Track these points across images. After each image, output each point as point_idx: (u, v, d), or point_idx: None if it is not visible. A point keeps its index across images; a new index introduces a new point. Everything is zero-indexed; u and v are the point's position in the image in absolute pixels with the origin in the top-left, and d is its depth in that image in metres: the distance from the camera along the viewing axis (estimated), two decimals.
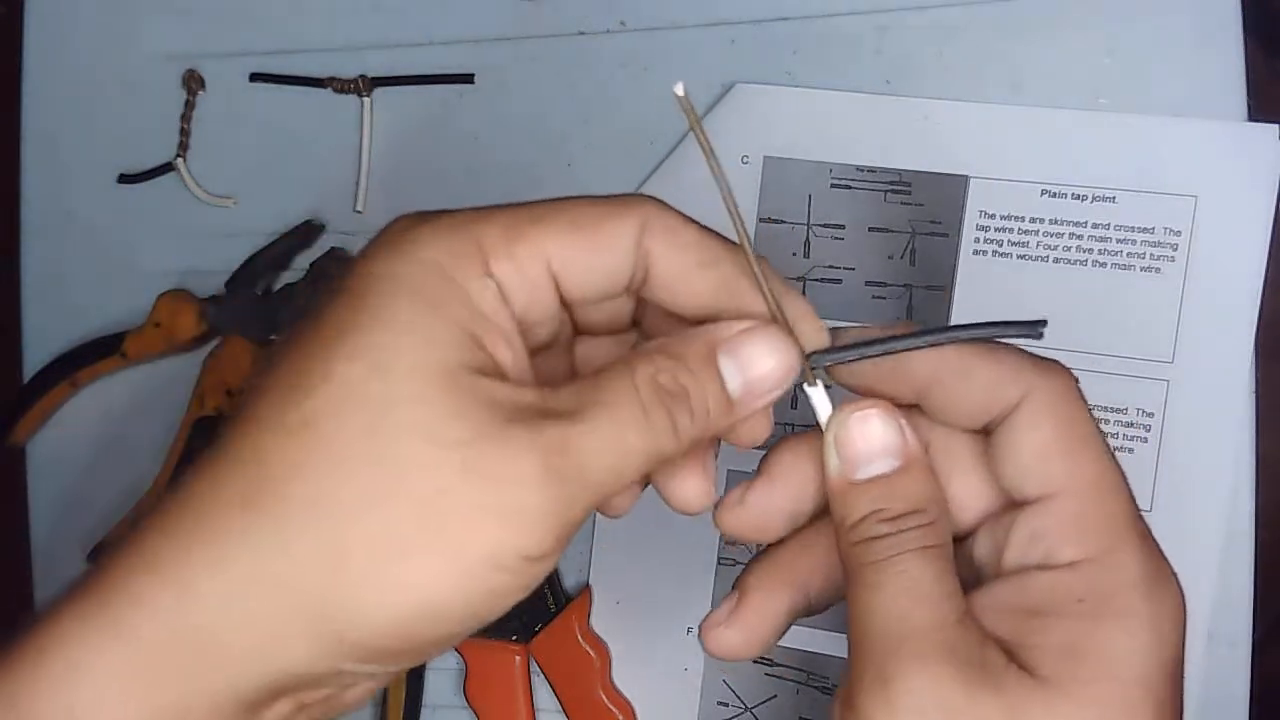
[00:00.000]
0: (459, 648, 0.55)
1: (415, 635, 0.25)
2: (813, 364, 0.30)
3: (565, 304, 0.29)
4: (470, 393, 0.25)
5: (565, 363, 0.32)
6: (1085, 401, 0.29)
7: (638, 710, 0.53)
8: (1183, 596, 0.28)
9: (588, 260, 0.28)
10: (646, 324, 0.32)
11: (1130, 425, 0.49)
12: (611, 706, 0.53)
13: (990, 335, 0.29)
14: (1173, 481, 0.49)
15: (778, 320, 0.29)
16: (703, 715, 0.53)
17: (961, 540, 0.31)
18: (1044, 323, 0.28)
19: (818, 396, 0.30)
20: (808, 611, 0.32)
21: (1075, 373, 0.49)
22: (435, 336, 0.26)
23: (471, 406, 0.25)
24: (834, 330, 0.31)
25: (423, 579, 0.25)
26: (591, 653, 0.53)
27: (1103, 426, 0.49)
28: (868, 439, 0.29)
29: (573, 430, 0.26)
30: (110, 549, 0.26)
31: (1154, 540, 0.29)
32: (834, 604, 0.33)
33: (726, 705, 0.52)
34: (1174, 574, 0.28)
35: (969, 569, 0.30)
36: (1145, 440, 0.49)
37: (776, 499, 0.31)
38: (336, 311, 0.26)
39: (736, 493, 0.31)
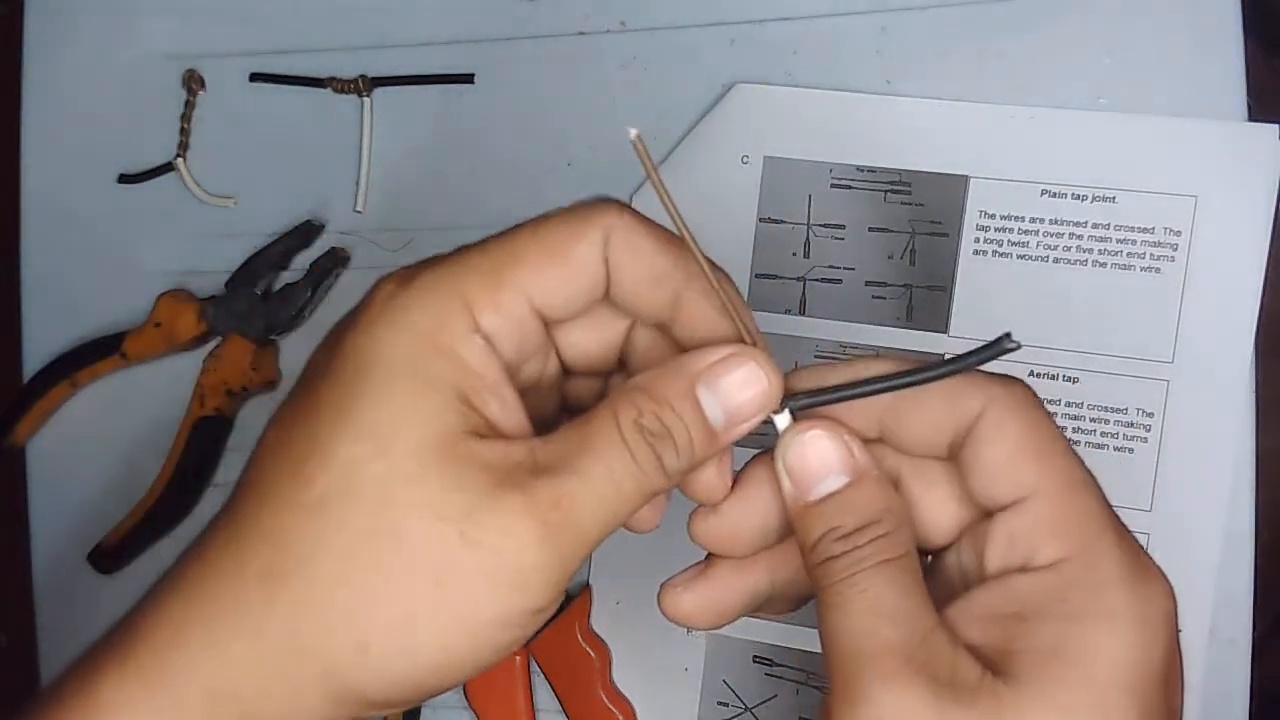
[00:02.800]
0: None
1: (428, 688, 0.28)
2: (789, 407, 0.30)
3: (548, 329, 0.30)
4: (465, 461, 0.27)
5: (556, 397, 0.33)
6: (1044, 407, 0.29)
7: (638, 710, 0.53)
8: (1171, 593, 0.28)
9: (565, 287, 0.29)
10: (633, 344, 0.32)
11: (1130, 425, 0.49)
12: (611, 706, 0.53)
13: (966, 367, 0.29)
14: (1173, 481, 0.49)
15: (753, 344, 0.30)
16: (703, 715, 0.53)
17: (944, 551, 0.31)
18: (1009, 335, 0.28)
19: (782, 422, 0.30)
20: (771, 606, 0.33)
21: (1075, 373, 0.49)
22: (430, 410, 0.27)
23: (467, 476, 0.27)
24: (793, 372, 0.31)
25: (436, 644, 0.27)
26: (591, 653, 0.53)
27: (1102, 427, 0.50)
28: (815, 459, 0.30)
29: (565, 485, 0.27)
30: (134, 611, 0.28)
31: (1133, 538, 0.28)
32: (800, 605, 0.33)
33: (726, 705, 0.52)
34: (1160, 571, 0.28)
35: (956, 580, 0.30)
36: (1145, 440, 0.49)
37: (748, 515, 0.31)
38: (336, 389, 0.28)
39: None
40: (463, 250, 0.29)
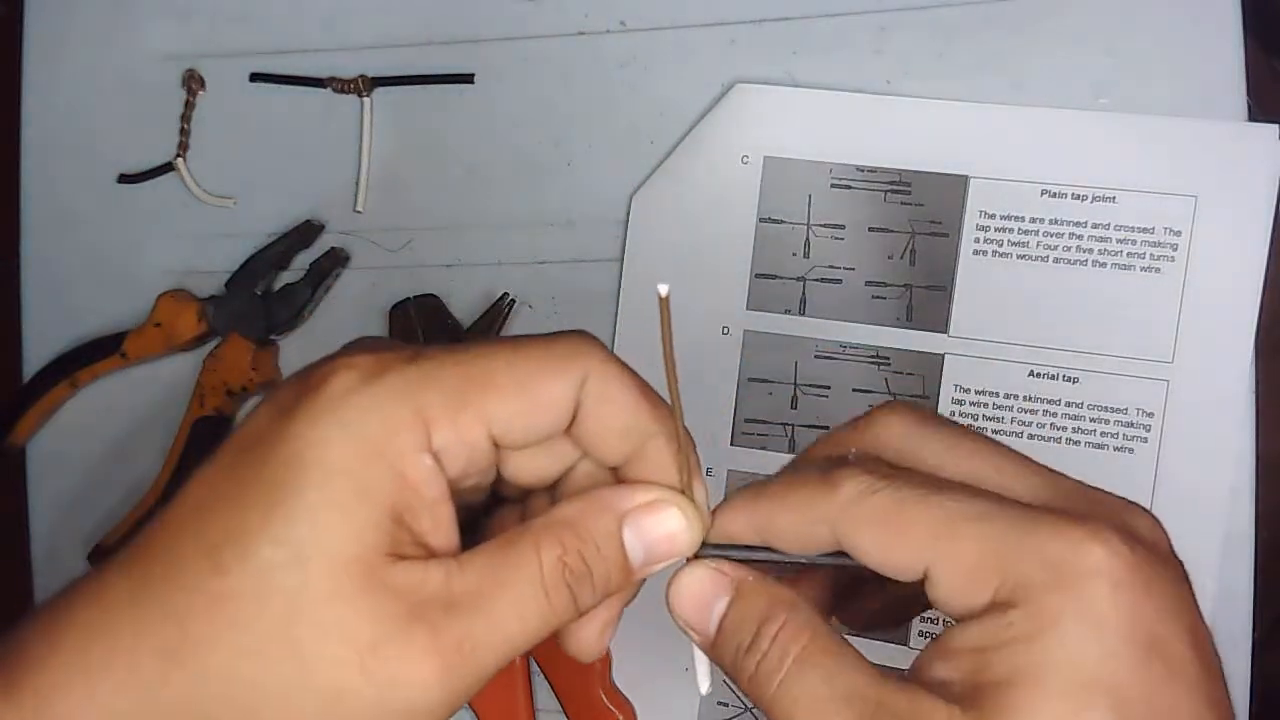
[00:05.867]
0: None
1: None
2: (701, 554, 0.31)
3: (498, 451, 0.30)
4: (380, 589, 0.27)
5: (484, 497, 0.33)
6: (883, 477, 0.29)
7: (638, 710, 0.53)
8: (1100, 532, 0.26)
9: (529, 421, 0.29)
10: (573, 471, 0.32)
11: (1130, 425, 0.49)
12: (611, 706, 0.53)
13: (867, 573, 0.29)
14: (1173, 481, 0.49)
15: (689, 496, 0.30)
16: (703, 715, 0.53)
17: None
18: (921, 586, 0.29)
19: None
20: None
21: (1075, 373, 0.49)
22: (358, 526, 0.27)
23: (380, 605, 0.26)
24: (722, 504, 0.31)
25: None
26: None
27: (1102, 427, 0.50)
28: (694, 595, 0.30)
29: (473, 626, 0.27)
30: (25, 634, 0.27)
31: (1024, 514, 0.27)
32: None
33: (726, 705, 0.52)
34: (1070, 524, 0.26)
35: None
36: (1145, 440, 0.49)
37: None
38: (268, 479, 0.27)
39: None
40: (433, 356, 0.28)
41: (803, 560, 0.30)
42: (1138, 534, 0.27)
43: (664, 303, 0.27)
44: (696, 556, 0.30)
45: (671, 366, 0.28)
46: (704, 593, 0.30)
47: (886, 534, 0.28)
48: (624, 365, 0.30)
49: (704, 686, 0.32)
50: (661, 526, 0.30)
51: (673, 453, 0.30)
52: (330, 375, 0.28)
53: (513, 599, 0.28)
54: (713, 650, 0.30)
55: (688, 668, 0.52)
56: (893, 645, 0.51)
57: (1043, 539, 0.26)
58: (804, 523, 0.29)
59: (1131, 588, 0.26)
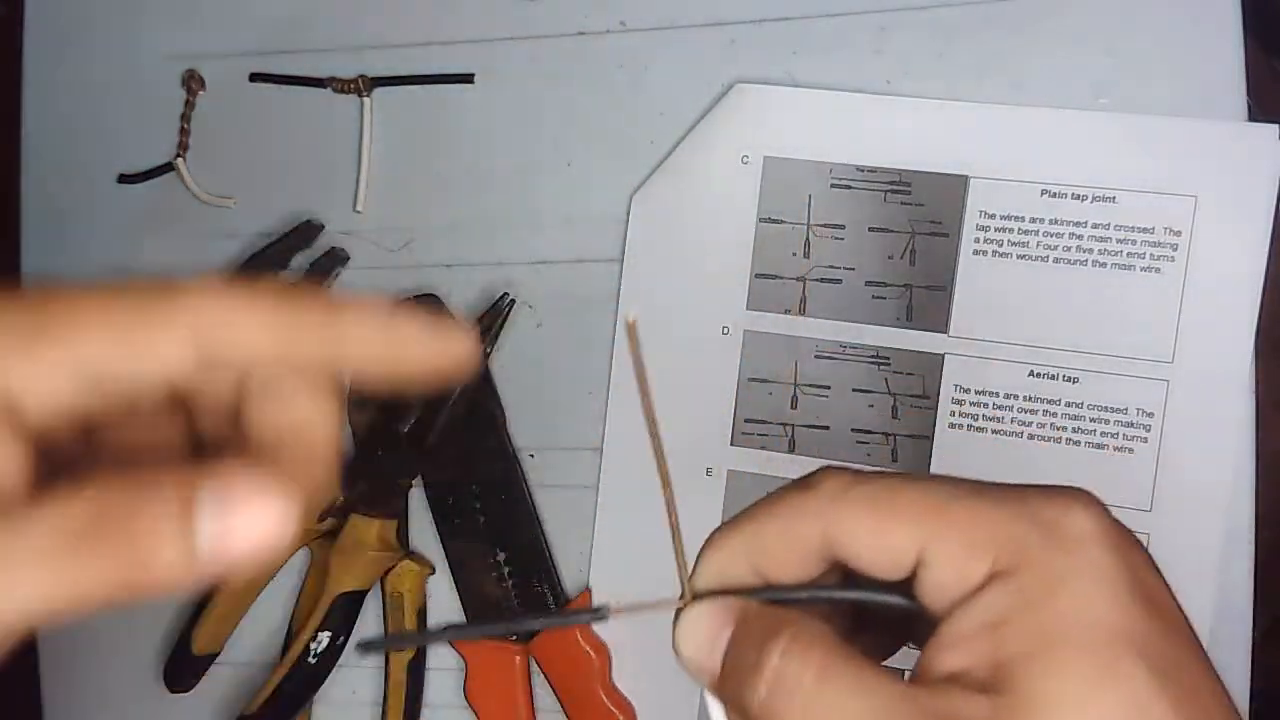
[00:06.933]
0: (459, 647, 0.55)
1: None
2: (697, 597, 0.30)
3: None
4: None
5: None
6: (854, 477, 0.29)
7: (638, 710, 0.53)
8: (1086, 497, 0.27)
9: (128, 366, 0.24)
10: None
11: (1130, 425, 0.49)
12: (611, 706, 0.53)
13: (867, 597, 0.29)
14: (1173, 481, 0.49)
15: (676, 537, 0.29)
16: (703, 716, 0.53)
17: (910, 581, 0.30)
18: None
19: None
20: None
21: (1075, 373, 0.50)
22: None
23: None
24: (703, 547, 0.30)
25: None
26: (591, 653, 0.53)
27: (1102, 427, 0.50)
28: (697, 633, 0.29)
29: None
30: None
31: (1009, 490, 0.27)
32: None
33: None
34: (1054, 490, 0.27)
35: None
36: (1145, 440, 0.49)
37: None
38: None
39: None
40: (11, 292, 0.25)
41: (802, 595, 0.29)
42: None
43: (631, 329, 0.25)
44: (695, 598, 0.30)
45: (647, 394, 0.26)
46: (707, 628, 0.29)
47: (877, 518, 0.28)
48: (245, 298, 0.25)
49: None
50: (247, 500, 0.24)
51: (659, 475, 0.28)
52: None
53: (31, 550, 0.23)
54: (721, 686, 0.29)
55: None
56: None
57: (1033, 507, 0.27)
58: (792, 527, 0.29)
59: (1121, 548, 0.26)
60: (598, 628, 0.53)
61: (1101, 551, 0.26)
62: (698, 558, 0.30)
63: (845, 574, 0.30)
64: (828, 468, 0.29)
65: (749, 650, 0.28)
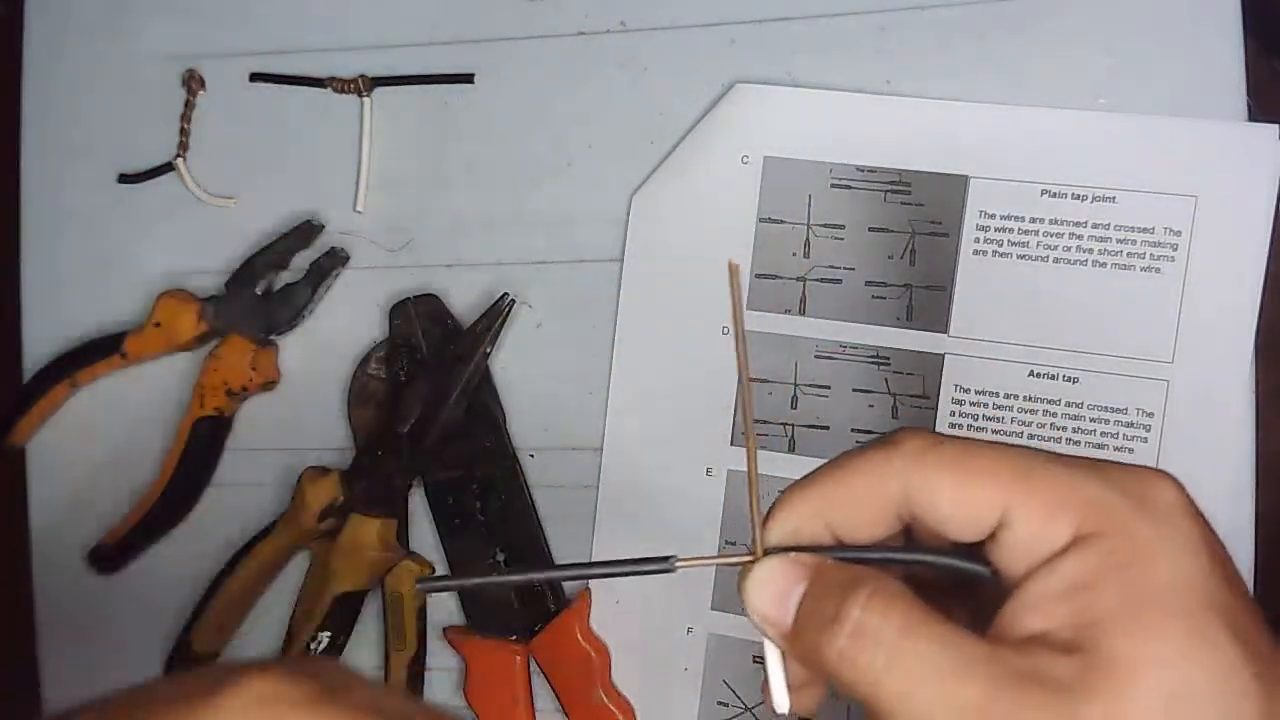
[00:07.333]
0: (459, 647, 0.55)
1: None
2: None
3: None
4: None
5: None
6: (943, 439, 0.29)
7: (638, 710, 0.53)
8: (1170, 479, 0.28)
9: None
10: None
11: (1130, 425, 0.49)
12: (611, 706, 0.53)
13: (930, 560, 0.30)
14: None
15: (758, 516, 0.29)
16: (703, 715, 0.53)
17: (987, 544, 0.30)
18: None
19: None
20: None
21: (1075, 373, 0.50)
22: None
23: None
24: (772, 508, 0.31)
25: None
26: (591, 653, 0.53)
27: (1102, 427, 0.50)
28: (769, 586, 0.29)
29: None
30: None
31: (1096, 465, 0.28)
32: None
33: (726, 705, 0.52)
34: (1146, 469, 0.28)
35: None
36: (1145, 440, 0.49)
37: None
38: None
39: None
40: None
41: (874, 556, 0.29)
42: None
43: (735, 271, 0.27)
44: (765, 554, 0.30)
45: (743, 339, 0.28)
46: (780, 583, 0.29)
47: (961, 478, 0.28)
48: None
49: (781, 704, 0.30)
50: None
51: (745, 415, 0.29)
52: (223, 689, 0.26)
53: None
54: (792, 640, 0.29)
55: (687, 668, 0.53)
56: None
57: (1117, 477, 0.27)
58: (873, 485, 0.29)
59: (1202, 522, 0.27)
60: (597, 627, 0.53)
61: (1190, 523, 0.27)
62: (768, 514, 0.30)
63: (908, 539, 0.30)
64: (908, 428, 0.29)
65: (827, 603, 0.28)
